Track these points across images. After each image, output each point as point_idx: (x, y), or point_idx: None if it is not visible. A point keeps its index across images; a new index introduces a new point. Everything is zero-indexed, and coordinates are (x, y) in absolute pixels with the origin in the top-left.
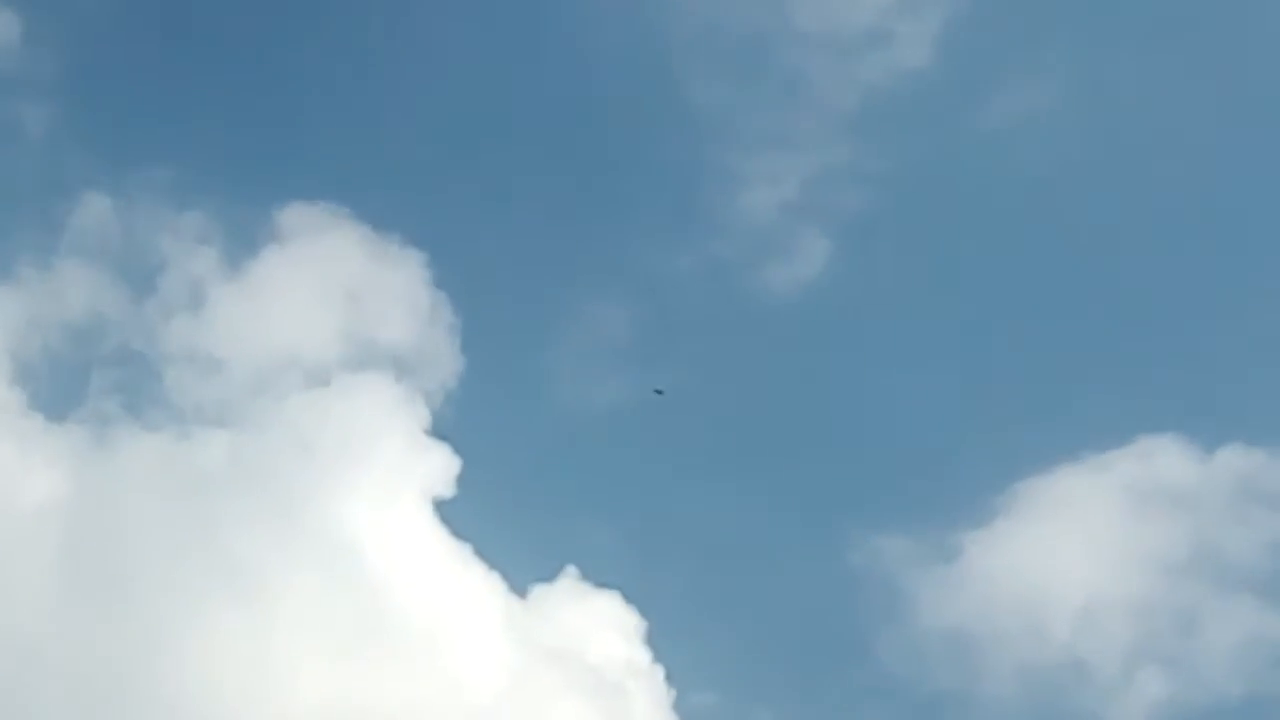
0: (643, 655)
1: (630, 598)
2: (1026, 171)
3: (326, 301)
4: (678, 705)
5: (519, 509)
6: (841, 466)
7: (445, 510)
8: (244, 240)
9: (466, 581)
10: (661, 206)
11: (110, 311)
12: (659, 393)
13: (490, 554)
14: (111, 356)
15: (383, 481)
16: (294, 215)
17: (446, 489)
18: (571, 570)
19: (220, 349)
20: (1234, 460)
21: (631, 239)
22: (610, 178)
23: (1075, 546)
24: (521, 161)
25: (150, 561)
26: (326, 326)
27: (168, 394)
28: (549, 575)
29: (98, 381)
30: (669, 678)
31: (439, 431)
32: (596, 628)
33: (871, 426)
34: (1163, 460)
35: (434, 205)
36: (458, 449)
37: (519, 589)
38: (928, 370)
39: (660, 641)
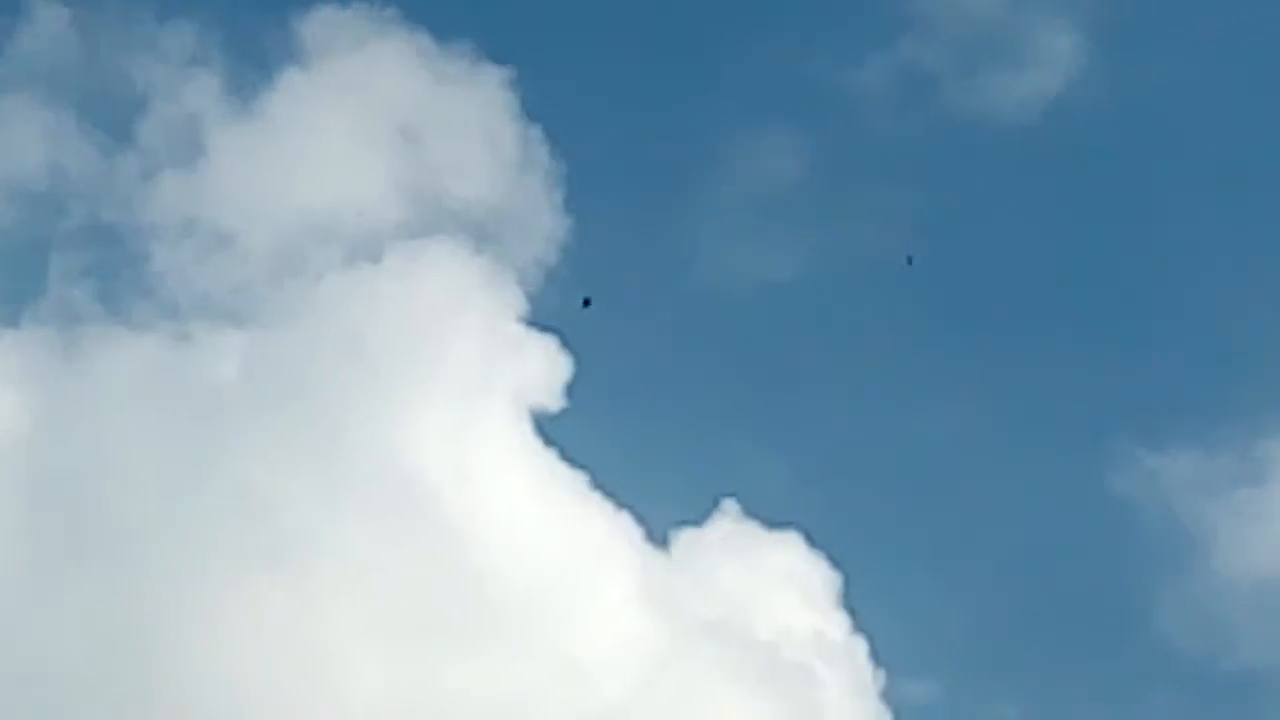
0: (837, 623)
1: (816, 542)
2: None
3: (373, 144)
4: (888, 694)
5: (653, 423)
6: (1099, 356)
7: (551, 427)
8: (253, 61)
9: (585, 526)
10: None
11: (73, 169)
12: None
13: (616, 487)
14: (78, 233)
15: (462, 391)
16: (321, 23)
17: (552, 399)
18: (730, 506)
19: (227, 216)
20: None
21: (795, 44)
22: None
23: None
24: None
25: (144, 513)
26: (374, 179)
27: (157, 281)
28: (700, 514)
29: (60, 267)
30: (874, 655)
31: (539, 320)
32: (769, 586)
33: (1142, 298)
34: None
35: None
36: (566, 343)
37: (658, 534)
38: (1222, 215)
39: (861, 603)
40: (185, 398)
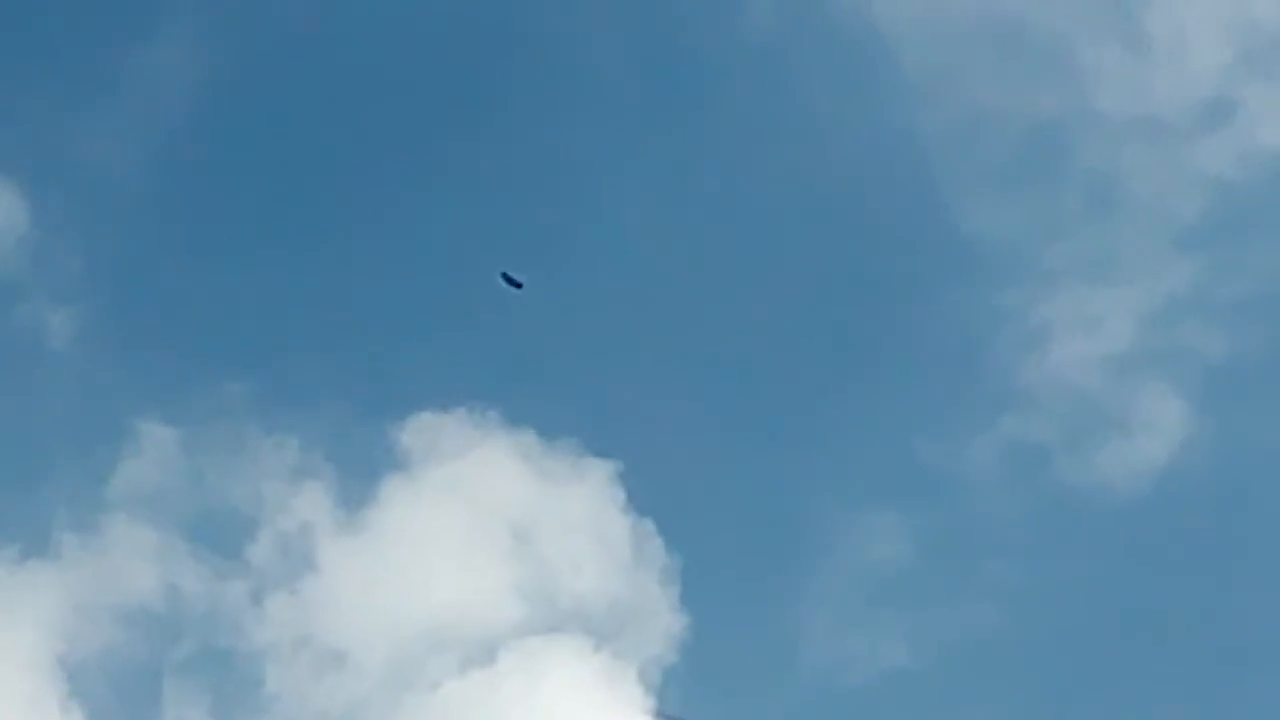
0: None
1: None
2: None
3: (483, 546)
4: None
5: None
6: None
7: None
8: (358, 472)
9: None
10: (934, 378)
11: (185, 590)
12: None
13: None
14: (191, 658)
15: None
16: (423, 430)
17: None
18: None
19: (340, 632)
20: None
21: (899, 426)
22: (857, 344)
23: None
24: (734, 326)
25: None
26: (487, 582)
27: (272, 701)
28: None
29: (174, 692)
30: None
31: (664, 714)
32: None
33: (1271, 670)
34: None
35: (620, 395)
36: None
37: None
38: None
39: None
40: None
